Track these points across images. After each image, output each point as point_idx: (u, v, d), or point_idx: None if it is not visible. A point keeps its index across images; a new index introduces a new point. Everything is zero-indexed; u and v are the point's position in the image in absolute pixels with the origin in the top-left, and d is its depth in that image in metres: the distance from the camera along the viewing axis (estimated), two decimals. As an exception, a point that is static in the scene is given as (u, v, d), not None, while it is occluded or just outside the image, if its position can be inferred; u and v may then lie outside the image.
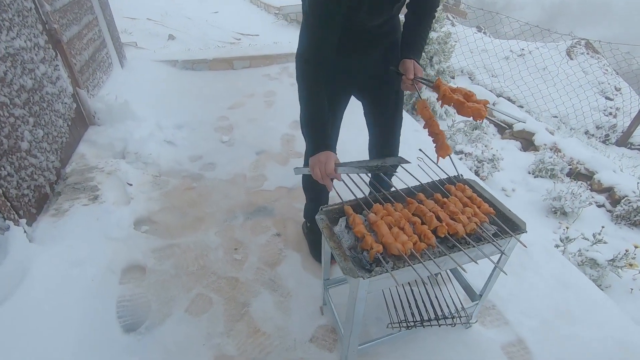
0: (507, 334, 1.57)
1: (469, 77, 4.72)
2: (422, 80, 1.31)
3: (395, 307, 1.44)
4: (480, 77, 4.76)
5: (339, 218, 1.31)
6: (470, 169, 2.75)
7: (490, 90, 4.50)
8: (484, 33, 6.00)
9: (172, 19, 5.46)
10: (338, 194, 1.34)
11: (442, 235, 1.18)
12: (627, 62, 4.07)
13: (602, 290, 2.09)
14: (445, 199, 1.30)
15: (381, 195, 1.35)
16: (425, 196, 1.34)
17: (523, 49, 5.24)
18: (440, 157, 1.30)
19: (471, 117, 1.18)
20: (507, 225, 1.25)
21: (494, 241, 1.15)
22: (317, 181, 1.71)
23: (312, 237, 1.92)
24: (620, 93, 4.99)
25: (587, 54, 5.34)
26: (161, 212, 2.16)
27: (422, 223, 1.21)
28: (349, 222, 1.23)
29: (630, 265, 2.02)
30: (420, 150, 1.58)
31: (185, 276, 1.79)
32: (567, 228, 2.21)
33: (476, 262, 1.09)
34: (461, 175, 1.47)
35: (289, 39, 4.94)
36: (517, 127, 3.69)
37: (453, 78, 4.11)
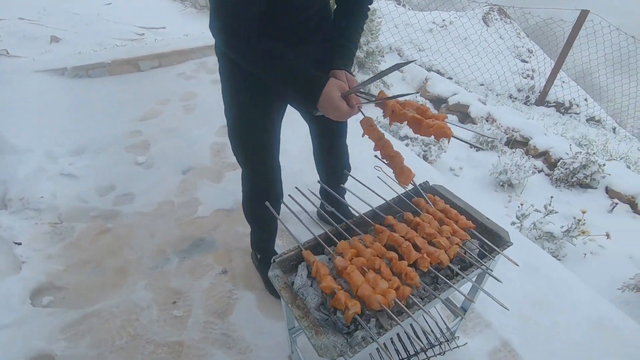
0: (491, 339, 1.47)
1: (398, 54, 4.65)
2: (361, 95, 1.04)
3: (377, 349, 1.23)
4: (408, 53, 4.72)
5: (297, 265, 1.04)
6: (418, 155, 2.64)
7: (420, 65, 4.47)
8: (404, 6, 5.97)
9: (53, 16, 4.53)
10: (287, 229, 1.07)
11: (425, 270, 0.97)
12: (538, 24, 4.28)
13: (559, 260, 2.12)
14: (417, 219, 1.10)
15: (343, 227, 1.10)
16: (394, 216, 1.13)
17: (444, 20, 5.30)
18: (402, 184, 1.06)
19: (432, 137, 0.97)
20: (489, 238, 1.09)
21: (483, 265, 0.97)
22: (262, 207, 1.41)
23: (266, 270, 1.63)
24: (534, 55, 5.32)
25: (501, 19, 5.60)
26: (68, 273, 1.70)
27: (399, 257, 0.99)
28: (311, 272, 0.98)
29: (583, 232, 2.07)
30: (376, 157, 1.36)
31: (111, 355, 1.40)
32: (522, 205, 2.21)
33: (472, 301, 0.90)
34: (426, 182, 1.28)
35: (202, 29, 4.38)
36: (452, 100, 3.69)
37: (383, 57, 3.98)
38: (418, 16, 4.94)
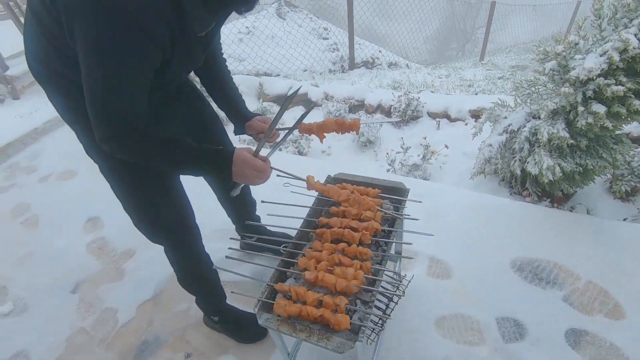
0: (423, 261, 1.85)
1: (223, 71, 4.74)
2: (286, 129, 1.21)
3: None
4: (232, 67, 4.86)
5: (274, 299, 1.12)
6: (294, 153, 2.88)
7: (247, 75, 4.68)
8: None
9: None
10: (250, 278, 1.13)
11: (369, 242, 1.19)
12: (322, 6, 4.97)
13: (428, 180, 2.71)
14: (341, 208, 1.30)
15: (292, 247, 1.22)
16: (324, 216, 1.31)
17: (247, 27, 5.60)
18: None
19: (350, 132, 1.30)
20: (393, 193, 1.38)
21: (408, 216, 1.25)
22: (200, 276, 1.42)
23: (231, 326, 1.62)
24: (330, 31, 6.19)
25: (292, 10, 6.26)
26: None
27: (348, 244, 1.18)
28: (292, 299, 1.07)
29: (432, 152, 2.69)
30: (278, 175, 1.50)
31: None
32: (388, 154, 2.70)
33: (410, 243, 1.17)
34: (328, 176, 1.49)
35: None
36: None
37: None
38: (224, 30, 5.10)
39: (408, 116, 3.31)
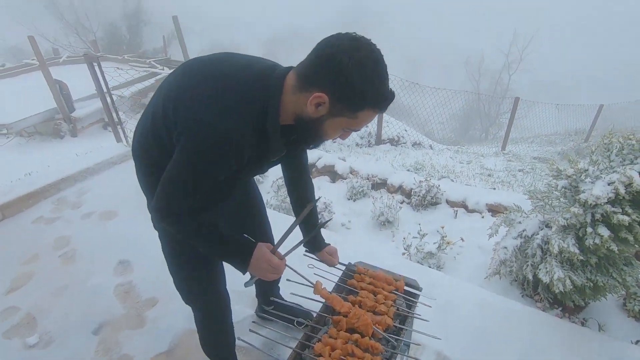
0: (429, 355, 1.88)
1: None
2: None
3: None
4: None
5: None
6: (316, 224, 3.07)
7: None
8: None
9: None
10: (272, 356, 1.25)
11: (380, 337, 1.30)
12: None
13: (442, 269, 2.79)
14: (358, 297, 1.43)
15: (308, 330, 1.34)
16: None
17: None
18: None
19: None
20: (406, 291, 1.51)
21: (418, 316, 1.37)
22: (223, 344, 1.54)
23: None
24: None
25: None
26: None
27: (361, 335, 1.29)
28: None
29: (448, 243, 2.81)
30: (304, 255, 1.67)
31: None
32: (405, 239, 2.84)
33: (419, 344, 1.27)
34: (350, 263, 1.65)
35: (45, 161, 3.96)
36: (319, 164, 4.36)
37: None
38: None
39: (427, 202, 3.49)
